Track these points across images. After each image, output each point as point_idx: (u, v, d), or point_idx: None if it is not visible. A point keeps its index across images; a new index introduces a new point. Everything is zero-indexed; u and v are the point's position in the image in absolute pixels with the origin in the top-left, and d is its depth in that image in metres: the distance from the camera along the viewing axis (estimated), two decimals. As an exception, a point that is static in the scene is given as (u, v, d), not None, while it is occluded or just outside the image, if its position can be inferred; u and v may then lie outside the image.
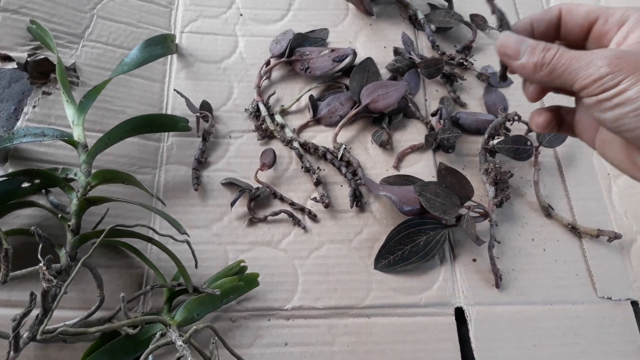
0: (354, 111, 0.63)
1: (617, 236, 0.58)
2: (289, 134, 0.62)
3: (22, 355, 0.42)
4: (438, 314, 0.54)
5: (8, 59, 0.57)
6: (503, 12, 0.42)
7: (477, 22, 0.72)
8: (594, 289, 0.57)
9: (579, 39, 0.39)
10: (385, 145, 0.63)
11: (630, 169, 0.37)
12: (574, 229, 0.59)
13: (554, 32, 0.40)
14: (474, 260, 0.57)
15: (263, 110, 0.63)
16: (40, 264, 0.40)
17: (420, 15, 0.71)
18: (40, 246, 0.42)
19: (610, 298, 0.56)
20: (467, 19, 0.72)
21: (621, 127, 0.33)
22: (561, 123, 0.42)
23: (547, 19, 0.40)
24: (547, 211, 0.60)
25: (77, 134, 0.52)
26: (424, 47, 0.72)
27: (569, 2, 0.40)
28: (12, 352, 0.40)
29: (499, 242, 0.58)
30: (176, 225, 0.47)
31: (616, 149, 0.37)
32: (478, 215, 0.56)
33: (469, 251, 0.58)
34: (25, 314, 0.40)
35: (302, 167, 0.60)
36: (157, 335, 0.45)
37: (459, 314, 0.54)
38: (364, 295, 0.54)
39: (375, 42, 0.71)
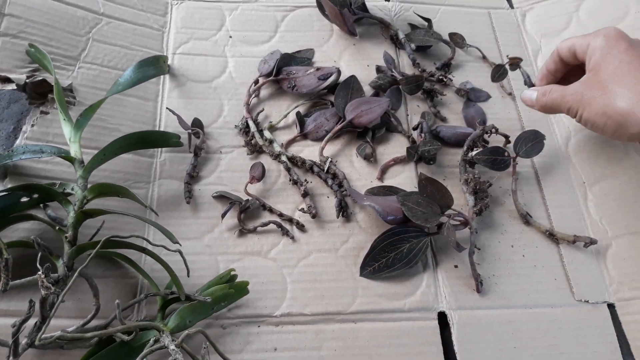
0: (339, 126, 0.65)
1: (592, 242, 0.60)
2: (277, 148, 0.64)
3: (21, 362, 0.44)
4: (421, 319, 0.56)
5: (8, 80, 0.60)
6: (528, 75, 0.65)
7: (455, 40, 0.75)
8: (571, 292, 0.59)
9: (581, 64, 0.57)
10: (369, 158, 0.65)
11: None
12: (551, 235, 0.62)
13: (563, 65, 0.59)
14: (456, 266, 0.59)
15: (252, 127, 0.65)
16: (39, 272, 0.42)
17: (401, 35, 0.75)
18: (39, 255, 0.44)
19: (587, 301, 0.58)
20: (446, 37, 0.75)
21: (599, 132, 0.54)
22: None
23: (554, 61, 0.59)
24: (526, 219, 0.63)
25: (74, 150, 0.55)
26: (405, 65, 0.75)
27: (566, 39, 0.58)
28: (11, 357, 0.42)
29: (480, 249, 0.60)
30: (169, 236, 0.49)
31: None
32: (458, 223, 0.59)
33: (450, 258, 0.60)
34: (24, 320, 0.42)
35: (290, 180, 0.63)
36: (151, 341, 0.47)
37: (442, 318, 0.56)
38: (350, 302, 0.56)
39: (359, 61, 0.74)
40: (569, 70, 0.60)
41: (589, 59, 0.54)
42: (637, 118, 0.48)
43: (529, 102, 0.60)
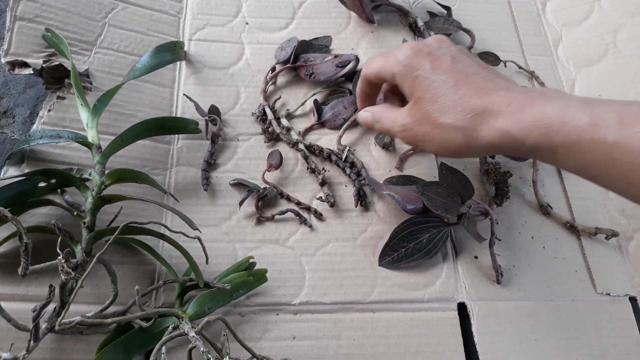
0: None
1: (614, 234, 0.59)
2: (294, 136, 0.64)
3: (40, 347, 0.43)
4: (441, 309, 0.55)
5: (24, 65, 0.59)
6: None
7: (487, 59, 0.73)
8: (592, 285, 0.58)
9: None
10: (388, 147, 0.65)
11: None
12: (572, 227, 0.61)
13: (378, 87, 0.54)
14: (476, 257, 0.59)
15: (269, 114, 0.65)
16: (59, 257, 0.42)
17: (420, 23, 0.74)
18: (59, 240, 0.44)
19: (608, 294, 0.58)
20: (466, 25, 0.74)
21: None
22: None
23: (365, 85, 0.53)
24: (546, 210, 0.62)
25: (91, 136, 0.54)
26: (424, 53, 0.73)
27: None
28: (32, 342, 0.42)
29: (500, 240, 0.59)
30: (188, 222, 0.49)
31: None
32: (479, 213, 0.58)
33: (470, 248, 0.59)
34: (45, 305, 0.41)
35: (307, 168, 0.62)
36: (170, 328, 0.47)
37: (462, 309, 0.56)
38: (369, 291, 0.56)
39: (377, 49, 0.73)
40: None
41: (400, 87, 0.47)
42: (474, 149, 0.43)
43: (366, 124, 0.53)
